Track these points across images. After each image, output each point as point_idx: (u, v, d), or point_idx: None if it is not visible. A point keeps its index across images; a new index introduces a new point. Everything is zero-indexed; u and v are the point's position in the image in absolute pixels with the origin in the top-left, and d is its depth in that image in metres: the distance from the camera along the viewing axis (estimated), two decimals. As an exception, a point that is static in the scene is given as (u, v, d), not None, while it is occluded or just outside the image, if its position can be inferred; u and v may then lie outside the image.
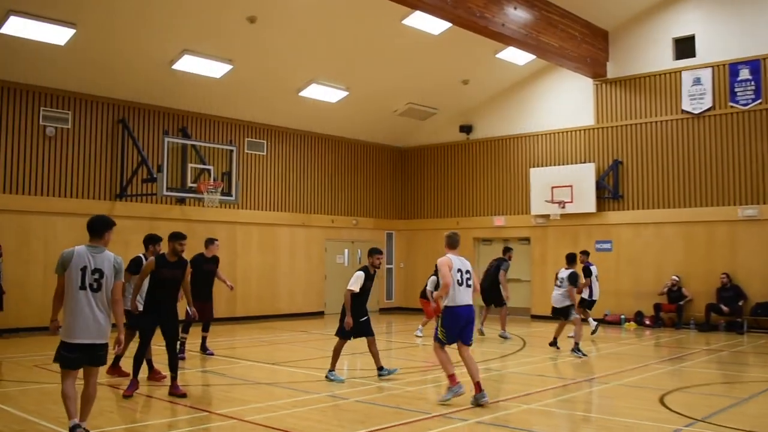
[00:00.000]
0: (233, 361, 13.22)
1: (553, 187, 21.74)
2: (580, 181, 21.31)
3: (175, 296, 9.90)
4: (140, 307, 10.37)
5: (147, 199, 18.99)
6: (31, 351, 13.97)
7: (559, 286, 14.33)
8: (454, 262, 9.47)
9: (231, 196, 18.70)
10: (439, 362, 9.55)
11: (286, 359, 13.24)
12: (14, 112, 17.10)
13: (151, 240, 10.95)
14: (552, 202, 21.67)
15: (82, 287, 6.98)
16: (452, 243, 9.80)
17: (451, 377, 9.34)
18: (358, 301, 11.00)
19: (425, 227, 25.48)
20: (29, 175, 17.24)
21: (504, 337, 16.71)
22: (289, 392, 10.02)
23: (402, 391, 10.24)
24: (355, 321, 10.93)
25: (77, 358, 6.99)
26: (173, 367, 9.75)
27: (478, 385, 9.19)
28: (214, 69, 18.43)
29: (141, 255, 10.88)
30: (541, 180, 22.12)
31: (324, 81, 20.60)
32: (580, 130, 21.99)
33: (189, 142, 18.73)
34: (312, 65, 19.73)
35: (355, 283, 10.91)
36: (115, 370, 10.90)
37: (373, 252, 11.18)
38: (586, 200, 21.20)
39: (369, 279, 11.06)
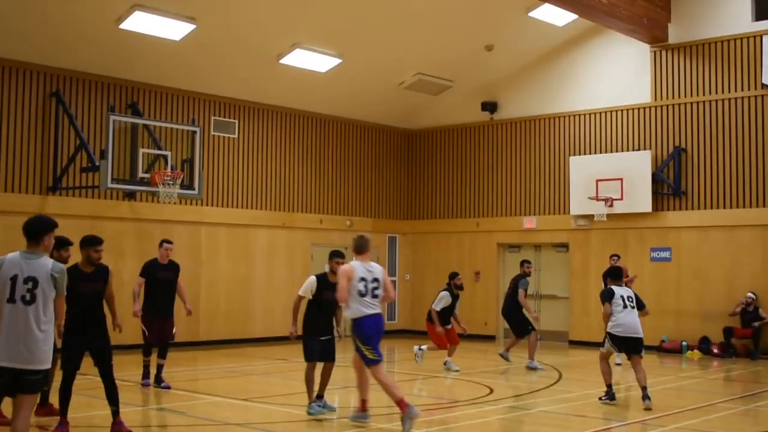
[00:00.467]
0: (195, 396, 13.25)
1: (598, 181, 21.76)
2: (632, 174, 21.34)
3: (99, 312, 9.95)
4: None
5: (87, 192, 19.01)
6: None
7: (633, 308, 12.98)
8: (357, 270, 10.31)
9: (193, 189, 18.73)
10: (382, 386, 10.28)
11: (261, 394, 13.28)
12: None
13: (58, 243, 10.58)
14: (597, 199, 21.69)
15: (11, 300, 7.04)
16: (358, 248, 10.63)
17: (400, 402, 9.94)
18: (318, 315, 11.28)
19: (436, 230, 25.52)
20: (-61, 161, 17.29)
21: (532, 368, 16.74)
22: (265, 435, 10.07)
23: (406, 434, 10.28)
24: (316, 340, 11.19)
25: (3, 383, 6.99)
26: (113, 400, 9.78)
27: (401, 403, 9.89)
28: (172, 29, 18.45)
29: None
30: (584, 171, 22.15)
31: (311, 45, 20.64)
32: (632, 109, 22.02)
33: (140, 121, 18.74)
34: (296, 25, 19.76)
35: (306, 289, 11.33)
36: (43, 408, 10.90)
37: (334, 255, 11.45)
38: (639, 197, 21.23)
39: (327, 287, 11.17)
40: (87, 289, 9.78)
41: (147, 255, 19.51)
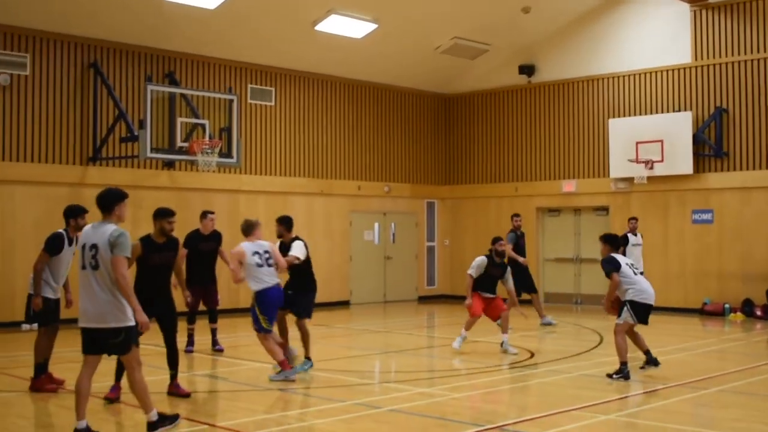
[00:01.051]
0: (237, 362, 13.40)
1: (638, 143, 21.59)
2: (672, 135, 21.14)
3: (168, 283, 10.40)
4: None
5: (127, 162, 19.18)
6: (-12, 351, 14.29)
7: (642, 273, 12.87)
8: (246, 249, 11.28)
9: (231, 157, 18.82)
10: (268, 351, 11.27)
11: (301, 359, 13.38)
12: (-39, 55, 17.34)
13: (72, 213, 10.72)
14: (637, 161, 21.53)
15: (83, 266, 7.87)
16: (246, 231, 11.55)
17: (283, 363, 11.22)
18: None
19: (475, 194, 25.48)
20: (-19, 134, 17.50)
21: (549, 324, 17.65)
22: (306, 400, 10.15)
23: (447, 398, 10.33)
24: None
25: (87, 344, 7.97)
26: (173, 364, 10.29)
27: (284, 363, 11.24)
28: (207, -2, 18.50)
29: (62, 231, 10.74)
30: (623, 134, 21.98)
31: (346, 11, 20.58)
32: (672, 70, 21.78)
33: (178, 91, 18.83)
34: (331, -9, 19.72)
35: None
36: (39, 380, 10.81)
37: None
38: (680, 159, 21.04)
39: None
40: (158, 260, 10.17)
41: (186, 223, 19.66)
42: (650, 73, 22.14)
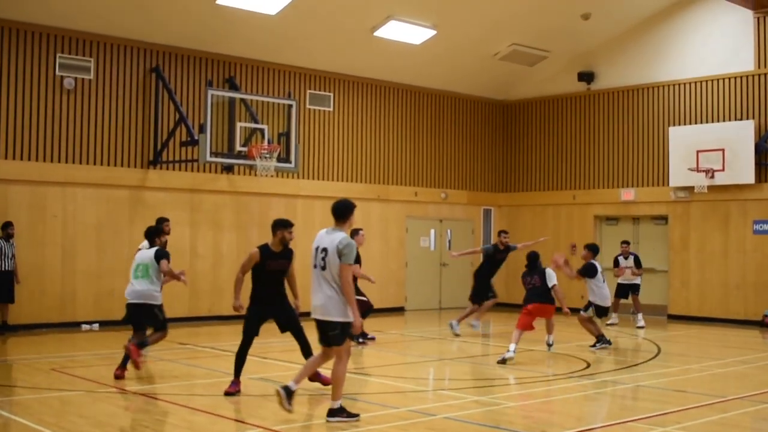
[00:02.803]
0: (291, 366, 13.40)
1: (698, 152, 21.31)
2: (734, 144, 20.84)
3: (283, 287, 11.19)
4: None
5: (187, 166, 19.40)
6: (48, 351, 14.50)
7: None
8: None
9: (290, 162, 18.92)
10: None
11: (355, 365, 13.39)
12: (24, 59, 17.63)
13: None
14: (697, 170, 21.26)
15: (314, 266, 9.18)
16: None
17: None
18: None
19: (532, 202, 25.33)
20: (43, 137, 17.79)
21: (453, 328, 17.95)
22: (361, 405, 10.15)
23: (501, 406, 10.26)
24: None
25: (319, 335, 9.29)
26: (308, 354, 10.93)
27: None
28: (267, 3, 18.61)
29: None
30: (684, 142, 21.70)
31: (405, 17, 20.59)
32: (735, 78, 21.46)
33: (238, 96, 19.00)
34: (390, -3, 19.77)
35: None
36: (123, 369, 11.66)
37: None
38: (742, 168, 20.73)
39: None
40: (275, 266, 10.91)
41: (245, 228, 19.95)
42: (712, 80, 21.83)
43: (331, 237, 9.07)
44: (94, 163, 18.32)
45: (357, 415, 9.18)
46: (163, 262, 11.98)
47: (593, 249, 16.28)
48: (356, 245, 9.27)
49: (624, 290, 20.40)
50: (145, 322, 12.17)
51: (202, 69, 19.90)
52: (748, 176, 20.67)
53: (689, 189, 21.69)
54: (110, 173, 18.39)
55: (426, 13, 20.61)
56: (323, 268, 9.03)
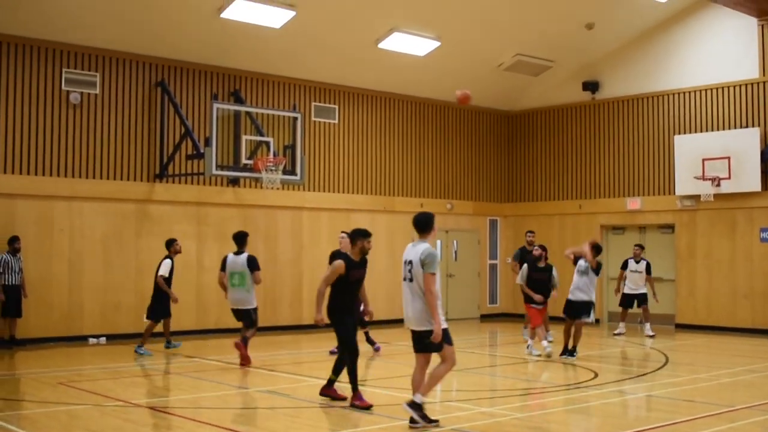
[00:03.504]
0: (299, 378, 13.42)
1: (704, 160, 21.28)
2: (740, 152, 20.80)
3: (358, 296, 11.64)
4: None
5: (192, 179, 19.41)
6: (56, 365, 14.49)
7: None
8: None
9: (295, 174, 18.92)
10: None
11: (363, 377, 13.35)
12: (30, 74, 17.68)
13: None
14: (703, 178, 21.22)
15: (404, 278, 9.58)
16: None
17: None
18: None
19: (538, 212, 25.30)
20: (50, 152, 17.82)
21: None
22: (369, 418, 10.12)
23: (509, 417, 10.23)
24: None
25: (413, 344, 9.73)
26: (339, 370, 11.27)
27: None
28: (272, 17, 18.64)
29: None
30: (689, 150, 21.67)
31: (409, 29, 20.62)
32: (740, 85, 21.44)
33: (243, 109, 19.02)
34: (394, 9, 19.76)
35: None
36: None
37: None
38: (748, 176, 20.68)
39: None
40: (357, 276, 11.24)
41: (251, 240, 19.86)
42: (717, 88, 21.81)
43: (416, 249, 9.50)
44: (101, 177, 18.35)
45: (436, 421, 9.41)
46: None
47: (596, 248, 15.98)
48: (438, 256, 9.69)
49: (630, 300, 20.29)
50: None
51: (208, 82, 19.94)
52: (754, 184, 20.62)
53: (695, 197, 21.64)
54: (117, 187, 18.41)
55: (430, 24, 20.64)
56: (410, 279, 9.45)
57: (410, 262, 9.44)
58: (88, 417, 10.13)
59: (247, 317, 14.56)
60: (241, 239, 14.77)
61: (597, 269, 15.71)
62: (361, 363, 11.61)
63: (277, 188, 19.05)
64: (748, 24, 21.15)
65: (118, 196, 18.40)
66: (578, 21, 21.80)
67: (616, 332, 19.94)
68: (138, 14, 17.62)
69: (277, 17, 18.63)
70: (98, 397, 11.34)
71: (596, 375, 13.61)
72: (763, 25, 20.96)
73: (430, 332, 9.32)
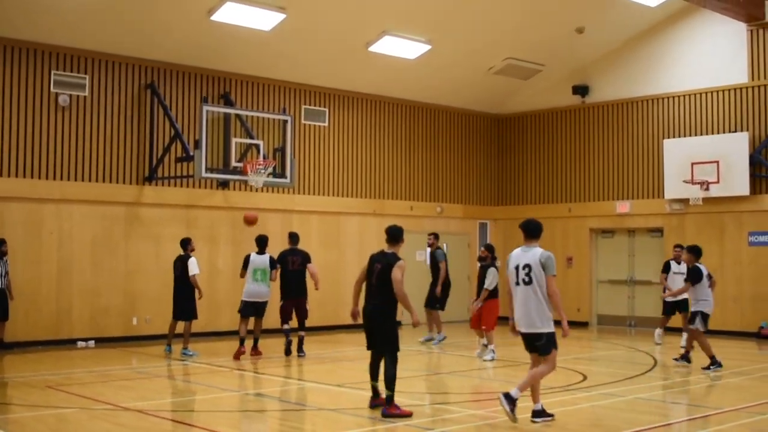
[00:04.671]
0: (288, 381, 13.42)
1: (693, 164, 21.34)
2: (728, 156, 20.87)
3: None
4: None
5: (182, 182, 19.38)
6: (44, 369, 14.44)
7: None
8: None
9: (285, 177, 18.92)
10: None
11: (353, 380, 13.36)
12: (19, 76, 17.62)
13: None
14: (692, 182, 21.28)
15: (517, 283, 9.89)
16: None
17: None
18: None
19: (528, 215, 24.84)
20: (38, 154, 17.77)
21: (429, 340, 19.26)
22: (359, 420, 10.13)
23: (499, 420, 10.25)
24: None
25: (526, 345, 10.04)
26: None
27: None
28: (262, 19, 18.64)
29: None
30: (678, 154, 21.73)
31: (400, 32, 20.63)
32: (729, 90, 21.51)
33: (233, 111, 19.02)
34: (385, 12, 19.78)
35: None
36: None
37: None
38: (736, 180, 20.75)
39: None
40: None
41: (241, 243, 19.90)
42: (706, 93, 21.89)
43: (531, 253, 9.85)
44: (90, 180, 18.31)
45: (552, 415, 10.01)
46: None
47: (696, 251, 15.04)
48: (554, 258, 9.95)
49: (671, 307, 18.20)
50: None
51: (197, 85, 19.93)
52: (742, 188, 20.70)
53: (684, 201, 21.71)
54: (106, 190, 18.38)
55: (420, 28, 20.67)
56: (528, 282, 9.74)
57: (527, 266, 9.76)
58: (77, 420, 10.12)
59: (262, 310, 16.37)
60: (262, 242, 16.43)
61: (688, 276, 14.89)
62: (361, 363, 11.62)
63: (266, 190, 19.03)
64: (738, 29, 21.22)
65: (108, 198, 18.36)
66: (569, 25, 21.85)
67: (657, 342, 18.67)
68: (127, 16, 17.59)
69: (267, 20, 18.63)
70: (87, 400, 11.33)
71: (585, 377, 13.64)
72: (752, 30, 21.04)
73: (542, 335, 9.71)
